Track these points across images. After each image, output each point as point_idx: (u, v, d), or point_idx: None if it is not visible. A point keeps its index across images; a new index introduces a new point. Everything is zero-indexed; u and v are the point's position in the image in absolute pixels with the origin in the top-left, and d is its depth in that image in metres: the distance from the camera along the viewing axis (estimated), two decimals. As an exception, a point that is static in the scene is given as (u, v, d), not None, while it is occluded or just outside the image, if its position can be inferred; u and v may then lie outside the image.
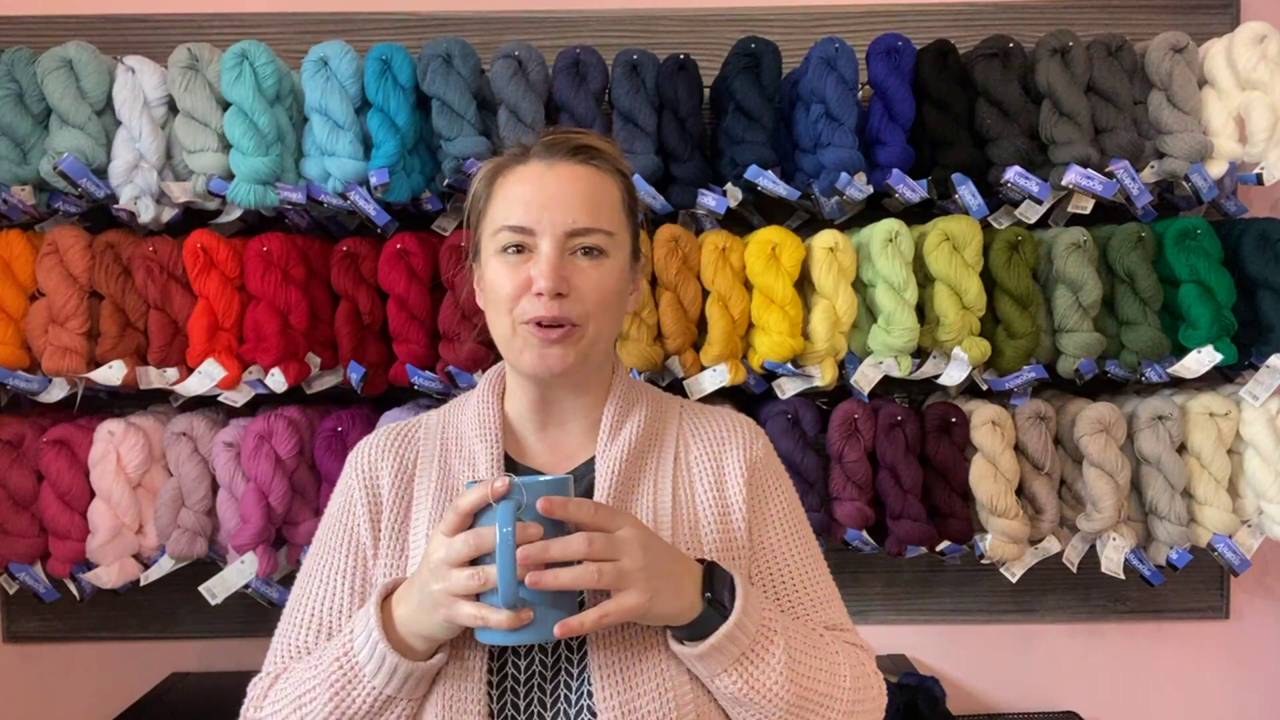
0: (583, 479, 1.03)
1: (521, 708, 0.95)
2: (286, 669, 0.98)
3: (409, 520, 1.04)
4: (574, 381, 1.04)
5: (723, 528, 1.03)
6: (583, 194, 0.98)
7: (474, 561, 0.86)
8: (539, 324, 0.97)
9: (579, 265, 0.98)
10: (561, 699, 0.96)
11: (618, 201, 1.02)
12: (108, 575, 1.86)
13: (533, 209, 0.97)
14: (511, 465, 1.06)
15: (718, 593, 0.92)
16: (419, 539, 1.03)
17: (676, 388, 1.91)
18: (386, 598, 0.94)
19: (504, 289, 0.98)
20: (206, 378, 1.84)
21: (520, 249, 0.98)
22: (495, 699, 0.95)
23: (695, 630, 0.91)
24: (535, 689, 0.96)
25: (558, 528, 0.87)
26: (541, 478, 0.89)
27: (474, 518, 0.88)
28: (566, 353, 0.97)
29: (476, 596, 0.86)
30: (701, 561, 0.96)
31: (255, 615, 2.12)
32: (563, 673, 0.97)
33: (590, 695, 0.94)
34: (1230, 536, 1.90)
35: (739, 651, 0.91)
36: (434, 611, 0.87)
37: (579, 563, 0.85)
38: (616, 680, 0.93)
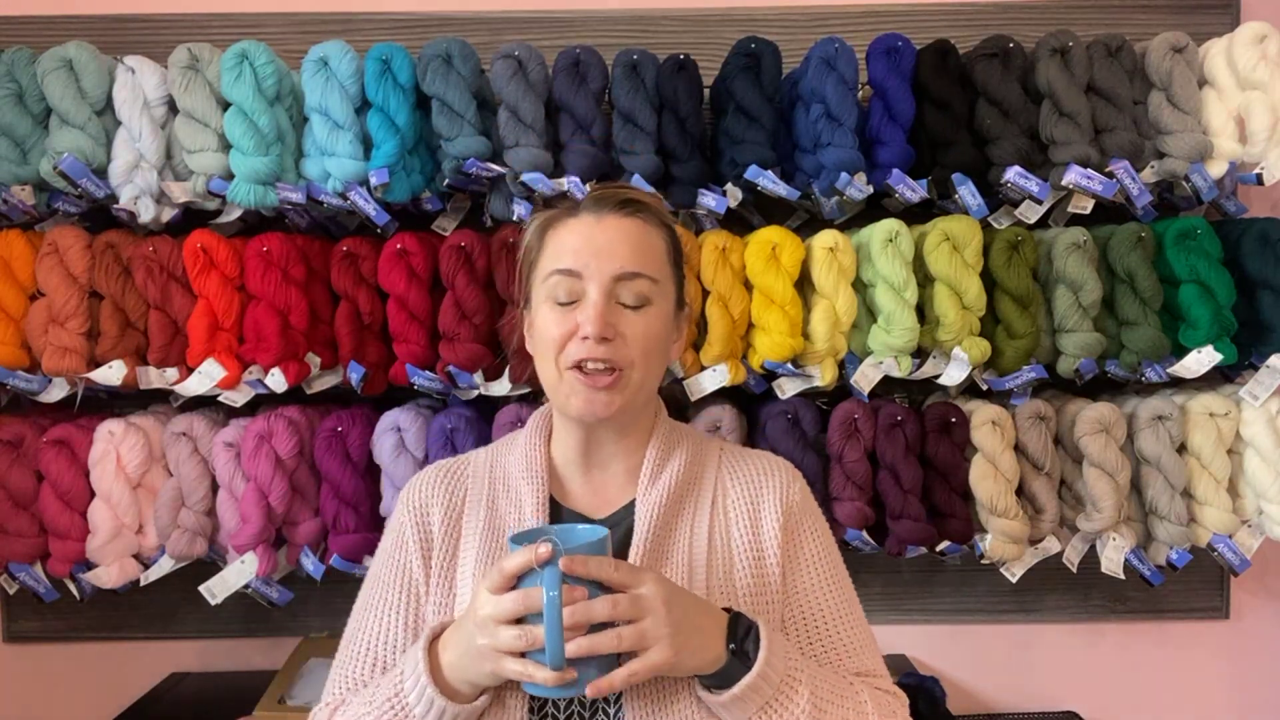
0: (621, 523, 1.06)
1: None
2: (344, 701, 1.02)
3: (457, 558, 1.08)
4: (618, 426, 1.08)
5: (756, 571, 1.05)
6: (629, 242, 1.03)
7: (519, 619, 0.89)
8: (584, 369, 1.01)
9: (625, 314, 1.02)
10: None
11: (663, 252, 1.07)
12: (108, 575, 1.86)
13: (581, 255, 1.02)
14: (556, 507, 1.09)
15: (741, 643, 0.95)
16: (466, 577, 1.06)
17: (677, 388, 1.91)
18: (435, 639, 0.98)
19: (552, 334, 1.02)
20: (206, 378, 1.84)
21: (570, 302, 1.02)
22: None
23: (721, 680, 0.94)
24: None
25: (600, 586, 0.90)
26: (580, 537, 0.93)
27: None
28: (613, 399, 1.02)
29: (523, 653, 0.89)
30: (727, 610, 0.98)
31: (255, 615, 2.12)
32: (600, 713, 1.00)
33: None
34: (1230, 536, 1.90)
35: (763, 700, 0.94)
36: (480, 663, 0.91)
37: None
38: None
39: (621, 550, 1.04)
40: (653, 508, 1.05)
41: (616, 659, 0.91)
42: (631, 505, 1.07)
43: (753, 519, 1.08)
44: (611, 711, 0.99)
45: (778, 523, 1.08)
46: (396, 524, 1.13)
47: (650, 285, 1.03)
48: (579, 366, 1.01)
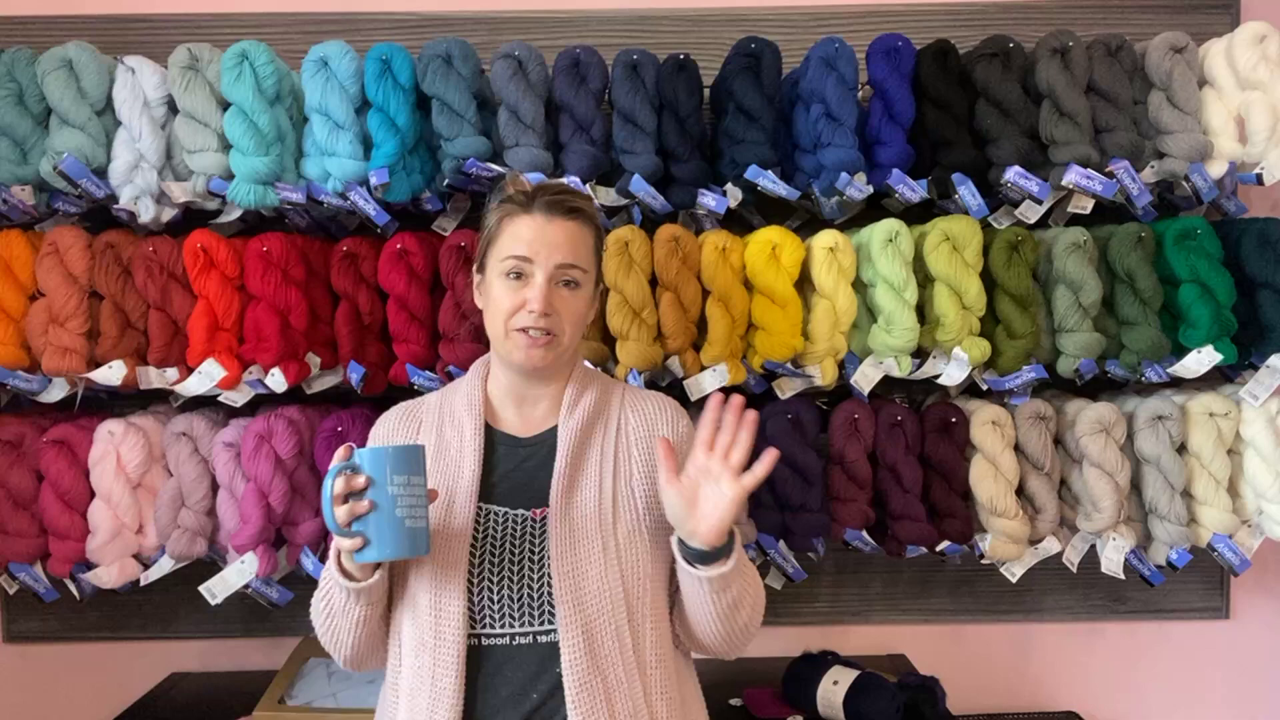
0: (545, 441, 1.36)
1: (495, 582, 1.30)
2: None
3: None
4: (547, 373, 1.37)
5: (649, 479, 1.35)
6: (570, 241, 1.32)
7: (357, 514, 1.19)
8: (528, 332, 1.30)
9: (561, 294, 1.32)
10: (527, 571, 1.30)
11: (592, 247, 1.36)
12: (108, 575, 1.86)
13: (534, 246, 1.31)
14: (491, 431, 1.38)
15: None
16: None
17: (677, 387, 1.91)
18: None
19: (504, 304, 1.31)
20: (206, 378, 1.84)
21: (520, 275, 1.31)
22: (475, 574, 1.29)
23: (708, 556, 1.24)
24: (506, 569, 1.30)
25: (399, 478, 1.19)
26: (400, 453, 1.21)
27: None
28: (546, 354, 1.32)
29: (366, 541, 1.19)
30: None
31: (255, 615, 2.12)
32: (527, 579, 1.29)
33: (551, 596, 1.27)
34: (1230, 536, 1.90)
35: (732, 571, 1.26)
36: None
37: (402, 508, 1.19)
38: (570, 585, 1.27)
39: (547, 462, 1.33)
40: (571, 431, 1.35)
41: (427, 532, 1.21)
42: (554, 429, 1.37)
43: (649, 442, 1.37)
44: (536, 577, 1.28)
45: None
46: None
47: (581, 274, 1.33)
48: (524, 330, 1.30)
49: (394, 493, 1.18)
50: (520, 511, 1.32)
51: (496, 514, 1.32)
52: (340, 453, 1.22)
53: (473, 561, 1.29)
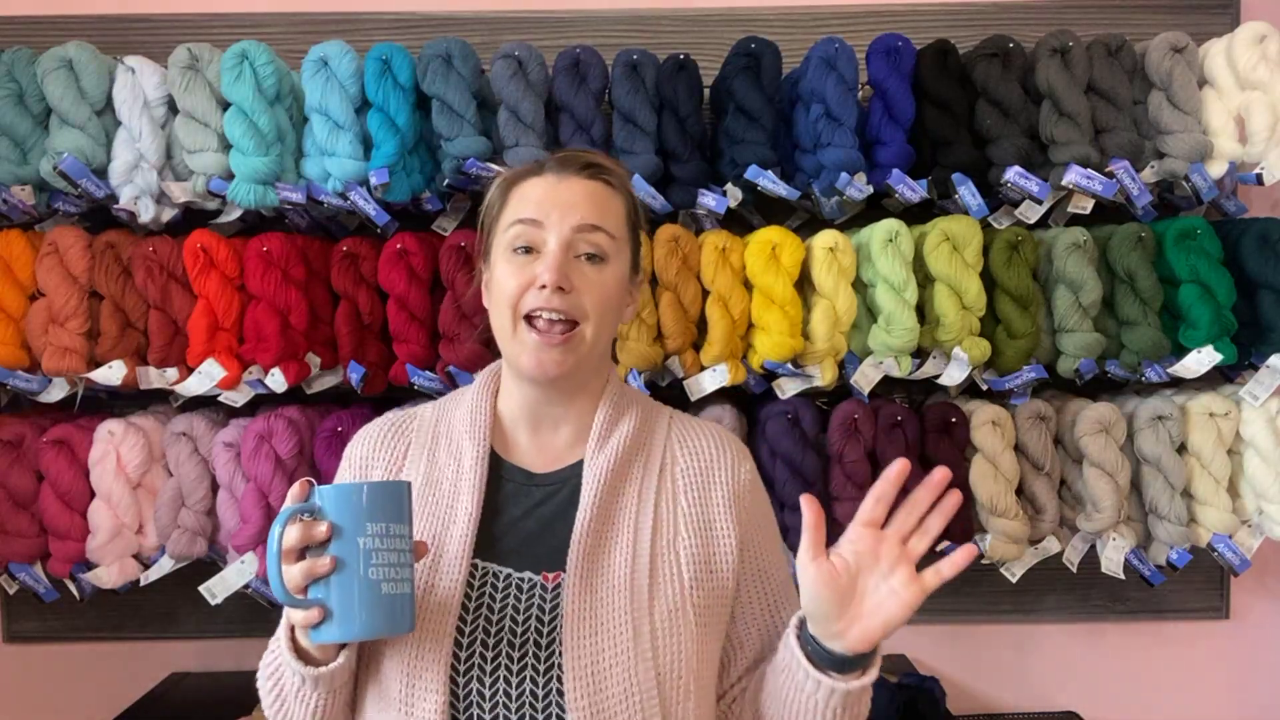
0: (567, 481, 1.06)
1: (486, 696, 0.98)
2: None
3: None
4: (568, 387, 1.07)
5: (703, 540, 1.06)
6: (591, 199, 1.04)
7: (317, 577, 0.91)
8: (540, 319, 1.01)
9: (582, 268, 1.02)
10: (528, 693, 0.98)
11: (622, 214, 1.08)
12: (108, 575, 1.86)
13: (543, 206, 1.03)
14: (498, 462, 1.08)
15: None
16: None
17: (676, 387, 1.91)
18: None
19: (509, 285, 1.02)
20: (206, 378, 1.84)
21: (529, 250, 1.02)
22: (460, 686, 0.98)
23: (843, 664, 0.96)
24: (501, 681, 0.99)
25: (393, 534, 0.91)
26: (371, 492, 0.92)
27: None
28: (565, 357, 1.01)
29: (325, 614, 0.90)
30: None
31: (255, 615, 2.12)
32: (529, 670, 0.99)
33: (561, 695, 0.97)
34: (1230, 536, 1.90)
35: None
36: None
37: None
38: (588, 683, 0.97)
39: (567, 509, 1.04)
40: (601, 471, 1.04)
41: (411, 601, 0.91)
42: (578, 465, 1.07)
43: (702, 491, 1.08)
44: (543, 667, 0.99)
45: (729, 500, 1.09)
46: (340, 478, 1.14)
47: (608, 240, 1.04)
48: (534, 318, 1.01)
49: (367, 547, 0.89)
50: (528, 575, 1.02)
51: (497, 576, 1.02)
52: (295, 490, 0.91)
53: (460, 640, 0.98)
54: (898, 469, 0.96)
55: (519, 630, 0.99)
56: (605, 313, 1.04)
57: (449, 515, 1.04)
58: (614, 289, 1.04)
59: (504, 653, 0.98)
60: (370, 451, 1.11)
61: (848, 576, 0.93)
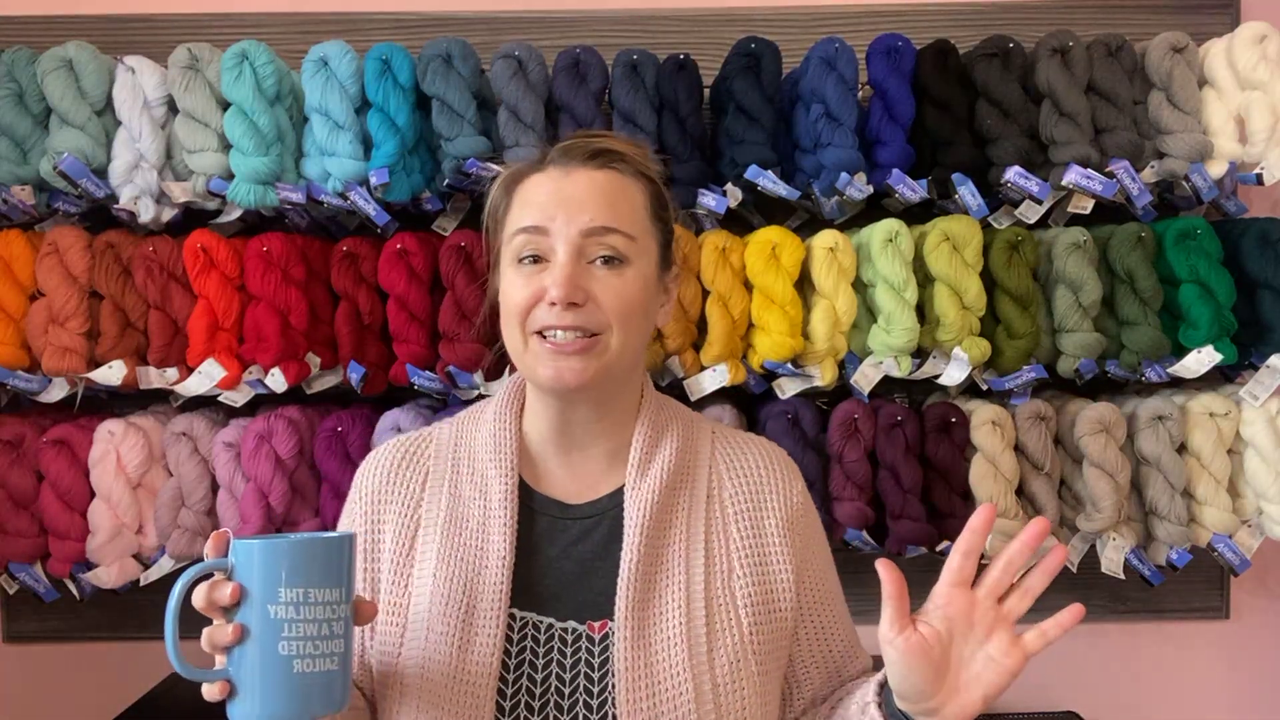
0: (605, 513, 0.96)
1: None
2: None
3: (414, 553, 0.96)
4: (597, 400, 0.96)
5: (759, 577, 0.97)
6: (601, 195, 0.92)
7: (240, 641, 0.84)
8: (550, 335, 0.90)
9: (597, 275, 0.91)
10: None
11: (641, 205, 0.96)
12: (108, 575, 1.86)
13: (547, 209, 0.92)
14: (527, 493, 0.97)
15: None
16: (425, 575, 0.94)
17: (676, 387, 1.91)
18: None
19: (516, 299, 0.92)
20: (206, 378, 1.84)
21: (536, 259, 0.92)
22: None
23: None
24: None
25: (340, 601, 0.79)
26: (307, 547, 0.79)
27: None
28: (586, 365, 0.90)
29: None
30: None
31: (255, 615, 2.12)
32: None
33: None
34: (1230, 536, 1.90)
35: None
36: None
37: None
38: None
39: (609, 546, 0.93)
40: (645, 504, 0.93)
41: (339, 679, 0.79)
42: (616, 494, 0.96)
43: (754, 520, 0.98)
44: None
45: (783, 527, 1.00)
46: (348, 518, 1.02)
47: (625, 241, 0.92)
48: (546, 335, 0.90)
49: (278, 616, 0.77)
50: (571, 625, 0.92)
51: (538, 627, 0.91)
52: (211, 543, 0.81)
53: (502, 705, 0.88)
54: (984, 517, 0.85)
55: (566, 690, 0.89)
56: (629, 320, 0.92)
57: (479, 560, 0.92)
58: (637, 294, 0.92)
59: (550, 715, 0.89)
60: (382, 484, 0.99)
61: (940, 647, 0.82)
